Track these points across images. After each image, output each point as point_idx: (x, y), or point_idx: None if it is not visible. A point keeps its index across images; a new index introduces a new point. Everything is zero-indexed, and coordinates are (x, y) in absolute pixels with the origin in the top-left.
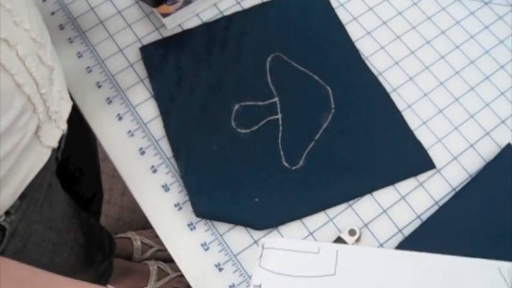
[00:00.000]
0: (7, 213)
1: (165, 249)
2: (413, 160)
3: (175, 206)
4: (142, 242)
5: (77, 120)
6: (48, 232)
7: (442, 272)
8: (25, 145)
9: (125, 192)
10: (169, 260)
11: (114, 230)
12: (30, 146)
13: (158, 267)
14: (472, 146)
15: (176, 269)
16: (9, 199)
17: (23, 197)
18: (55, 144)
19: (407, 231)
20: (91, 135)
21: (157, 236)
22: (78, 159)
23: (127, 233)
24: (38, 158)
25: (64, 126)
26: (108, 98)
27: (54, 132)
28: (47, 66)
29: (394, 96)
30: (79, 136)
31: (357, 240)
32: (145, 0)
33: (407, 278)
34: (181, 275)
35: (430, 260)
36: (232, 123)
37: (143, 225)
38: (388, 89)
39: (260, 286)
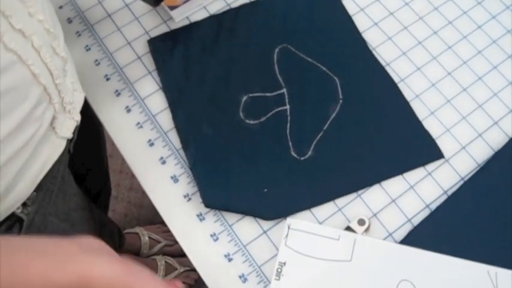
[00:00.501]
0: (24, 204)
1: (173, 244)
2: (422, 150)
3: (185, 197)
4: (150, 237)
5: (84, 114)
6: (63, 224)
7: (440, 269)
8: (41, 136)
9: (132, 187)
10: (176, 255)
11: (122, 225)
12: (46, 137)
13: (166, 262)
14: (480, 135)
15: (184, 263)
16: (27, 190)
17: (39, 188)
18: (70, 135)
19: (416, 221)
20: (99, 129)
21: (164, 231)
22: (87, 153)
23: (135, 229)
24: (54, 149)
25: (78, 117)
26: (117, 91)
27: (69, 123)
28: (61, 57)
29: (402, 87)
30: (87, 130)
31: (366, 230)
32: (146, 0)
33: (410, 271)
34: (189, 270)
35: (430, 257)
36: (241, 114)
37: (151, 220)
38: (396, 79)
39: (285, 263)
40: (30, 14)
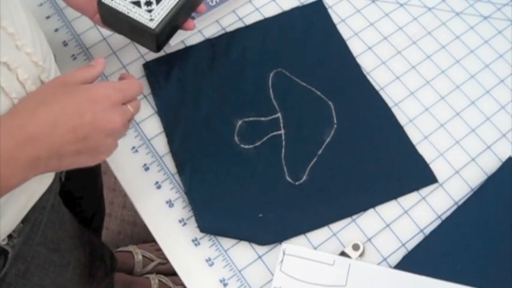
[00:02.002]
0: (9, 236)
1: (166, 263)
2: (416, 174)
3: (180, 221)
4: (143, 256)
5: None
6: (51, 254)
7: None
8: None
9: (126, 205)
10: (170, 273)
11: (115, 243)
12: None
13: (159, 280)
14: (473, 159)
15: (177, 282)
16: (12, 223)
17: (26, 220)
18: None
19: (410, 245)
20: None
21: (158, 250)
22: (80, 177)
23: (128, 247)
24: (41, 182)
25: None
26: None
27: None
28: None
29: (396, 111)
30: None
31: (361, 255)
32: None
33: None
34: None
35: (425, 282)
36: (236, 138)
37: (144, 238)
38: (390, 103)
39: None
40: (17, 46)
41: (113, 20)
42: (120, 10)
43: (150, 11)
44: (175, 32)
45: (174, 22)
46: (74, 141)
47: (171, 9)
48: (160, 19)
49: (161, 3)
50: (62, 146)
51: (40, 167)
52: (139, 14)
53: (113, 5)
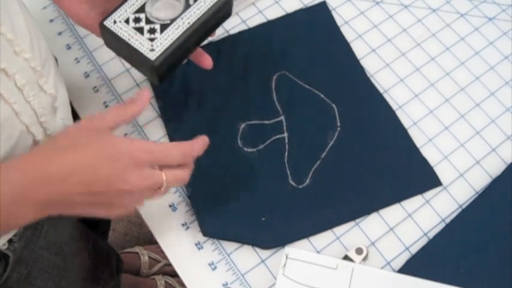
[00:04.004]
0: (10, 241)
1: None
2: (420, 177)
3: (183, 225)
4: (149, 257)
5: None
6: (54, 258)
7: None
8: None
9: None
10: (176, 274)
11: (122, 244)
12: None
13: (166, 282)
14: (478, 162)
15: (184, 283)
16: None
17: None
18: None
19: (414, 249)
20: None
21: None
22: None
23: (134, 248)
24: None
25: None
26: None
27: None
28: (49, 94)
29: (400, 114)
30: None
31: (364, 259)
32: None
33: None
34: None
35: (428, 286)
36: (239, 142)
37: (150, 239)
38: (394, 106)
39: None
40: (15, 52)
41: (114, 44)
42: (121, 36)
43: (152, 39)
44: (182, 61)
45: (179, 53)
46: (86, 194)
47: (177, 39)
48: (162, 50)
49: (166, 31)
50: (73, 195)
51: (51, 210)
52: (140, 42)
53: (114, 29)
